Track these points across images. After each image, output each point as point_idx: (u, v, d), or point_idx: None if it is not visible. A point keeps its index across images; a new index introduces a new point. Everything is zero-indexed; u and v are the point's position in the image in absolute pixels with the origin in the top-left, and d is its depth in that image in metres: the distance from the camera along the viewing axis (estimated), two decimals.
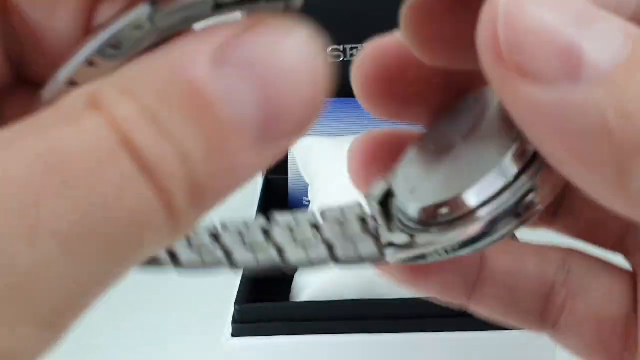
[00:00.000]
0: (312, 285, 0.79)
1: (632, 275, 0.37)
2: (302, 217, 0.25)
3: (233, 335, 0.76)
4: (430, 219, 0.24)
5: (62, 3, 0.31)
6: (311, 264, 0.24)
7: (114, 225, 0.14)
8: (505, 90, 0.20)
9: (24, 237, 0.13)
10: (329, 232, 0.24)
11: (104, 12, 0.28)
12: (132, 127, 0.14)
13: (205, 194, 0.15)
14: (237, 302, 0.77)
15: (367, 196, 0.27)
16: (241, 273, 0.83)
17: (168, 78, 0.14)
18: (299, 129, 0.16)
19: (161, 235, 0.15)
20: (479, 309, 0.42)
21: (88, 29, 0.30)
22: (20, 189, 0.13)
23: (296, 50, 0.15)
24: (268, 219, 0.25)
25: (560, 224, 0.40)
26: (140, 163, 0.14)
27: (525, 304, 0.38)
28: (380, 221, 0.25)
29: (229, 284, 0.81)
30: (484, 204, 0.24)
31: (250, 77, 0.15)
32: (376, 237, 0.25)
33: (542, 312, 0.37)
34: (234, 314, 0.76)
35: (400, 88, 0.30)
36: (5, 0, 0.30)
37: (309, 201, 0.97)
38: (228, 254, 0.24)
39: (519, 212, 0.24)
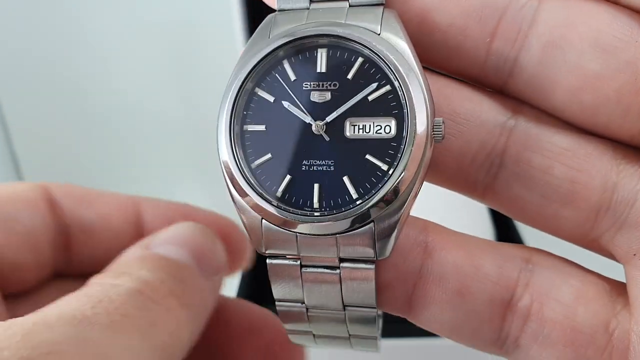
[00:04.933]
0: None
1: (604, 279, 0.35)
2: None
3: None
4: None
5: (111, 207, 0.45)
6: None
7: None
8: None
9: None
10: None
11: (148, 213, 0.46)
12: None
13: None
14: None
15: None
16: (240, 274, 0.82)
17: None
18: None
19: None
20: (423, 318, 0.36)
21: (137, 226, 0.46)
22: None
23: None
24: None
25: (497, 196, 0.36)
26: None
27: (480, 313, 0.34)
28: None
29: (228, 285, 0.80)
30: None
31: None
32: None
33: (501, 324, 0.34)
34: None
35: None
36: (52, 201, 0.43)
37: None
38: None
39: None
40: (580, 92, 0.32)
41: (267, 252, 0.35)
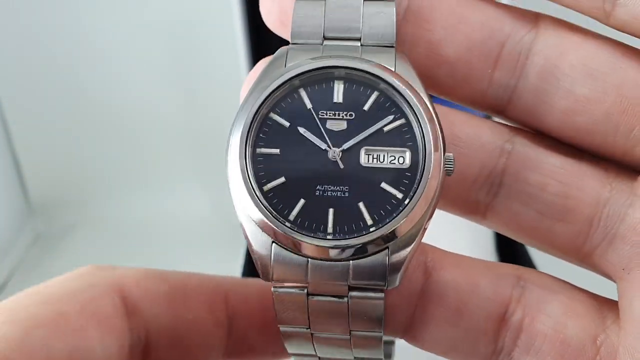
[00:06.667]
0: None
1: (594, 297, 0.37)
2: None
3: None
4: None
5: (199, 307, 0.41)
6: None
7: None
8: None
9: None
10: None
11: (238, 307, 0.41)
12: None
13: None
14: None
15: None
16: (239, 274, 0.82)
17: None
18: None
19: None
20: (422, 339, 0.37)
21: (228, 324, 0.41)
22: None
23: None
24: None
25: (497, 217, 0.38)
26: None
27: (477, 329, 0.36)
28: None
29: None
30: None
31: None
32: None
33: (495, 339, 0.36)
34: None
35: None
36: (130, 309, 0.38)
37: None
38: None
39: None
40: (573, 115, 0.35)
41: (274, 279, 0.34)
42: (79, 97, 1.20)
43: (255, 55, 0.94)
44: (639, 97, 0.34)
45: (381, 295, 0.34)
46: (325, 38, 0.37)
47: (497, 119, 0.39)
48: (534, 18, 0.36)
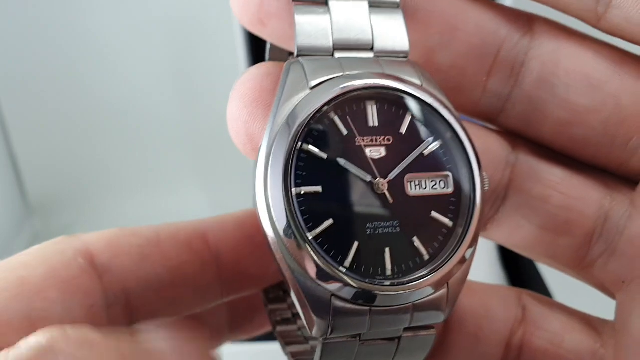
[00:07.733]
0: None
1: (588, 316, 0.36)
2: None
3: None
4: None
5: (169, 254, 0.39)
6: None
7: None
8: None
9: None
10: None
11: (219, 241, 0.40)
12: None
13: None
14: None
15: None
16: None
17: None
18: None
19: None
20: None
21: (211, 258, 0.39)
22: None
23: None
24: None
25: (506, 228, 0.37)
26: None
27: (489, 354, 0.35)
28: None
29: None
30: None
31: None
32: None
33: None
34: None
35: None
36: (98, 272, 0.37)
37: None
38: None
39: None
40: (569, 126, 0.34)
41: (331, 335, 0.31)
42: (77, 96, 1.20)
43: (255, 55, 0.94)
44: (637, 107, 0.32)
45: (433, 331, 0.32)
46: (335, 49, 0.33)
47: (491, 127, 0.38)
48: (528, 20, 0.34)
